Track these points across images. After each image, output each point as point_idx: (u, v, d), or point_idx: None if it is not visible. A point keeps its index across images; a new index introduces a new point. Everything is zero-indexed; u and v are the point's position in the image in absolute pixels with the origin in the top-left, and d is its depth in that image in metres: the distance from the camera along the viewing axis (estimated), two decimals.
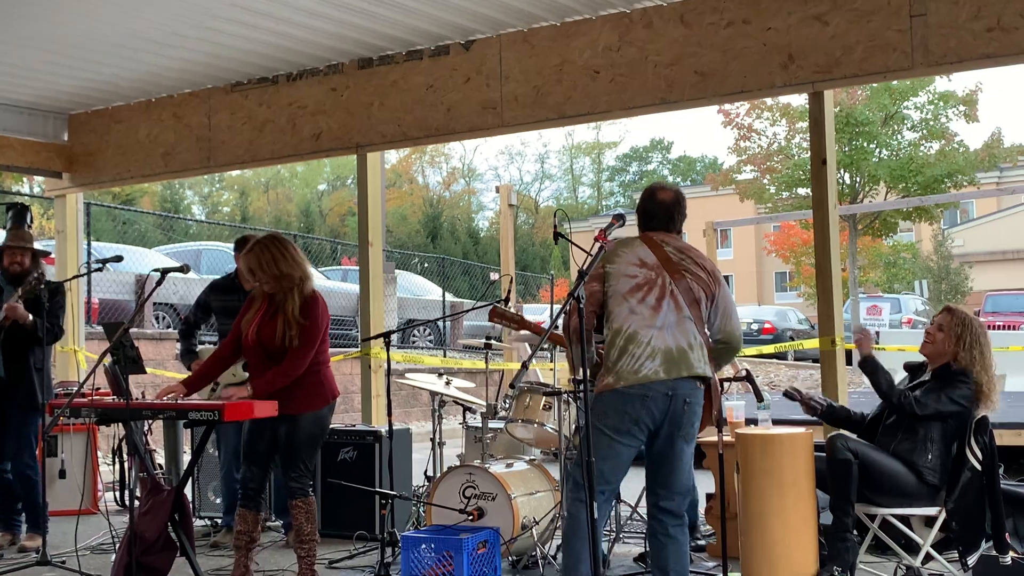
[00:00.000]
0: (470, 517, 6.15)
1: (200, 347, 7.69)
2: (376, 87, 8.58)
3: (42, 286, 6.76)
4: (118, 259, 6.47)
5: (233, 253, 7.64)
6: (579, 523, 4.61)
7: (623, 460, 4.76)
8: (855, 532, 5.45)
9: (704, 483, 6.74)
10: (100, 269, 6.66)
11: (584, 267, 4.35)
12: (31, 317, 6.92)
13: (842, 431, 5.57)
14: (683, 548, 4.82)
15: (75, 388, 7.16)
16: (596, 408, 4.70)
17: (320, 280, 18.09)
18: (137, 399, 5.74)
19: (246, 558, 5.77)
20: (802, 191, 31.73)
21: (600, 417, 4.69)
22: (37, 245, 7.46)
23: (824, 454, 5.43)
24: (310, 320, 5.64)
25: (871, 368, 5.57)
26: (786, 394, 5.97)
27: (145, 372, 6.97)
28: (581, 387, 4.28)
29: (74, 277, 8.33)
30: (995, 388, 5.59)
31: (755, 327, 28.88)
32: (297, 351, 5.60)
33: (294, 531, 5.79)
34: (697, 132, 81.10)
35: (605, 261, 4.79)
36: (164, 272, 5.65)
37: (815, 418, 5.96)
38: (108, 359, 5.73)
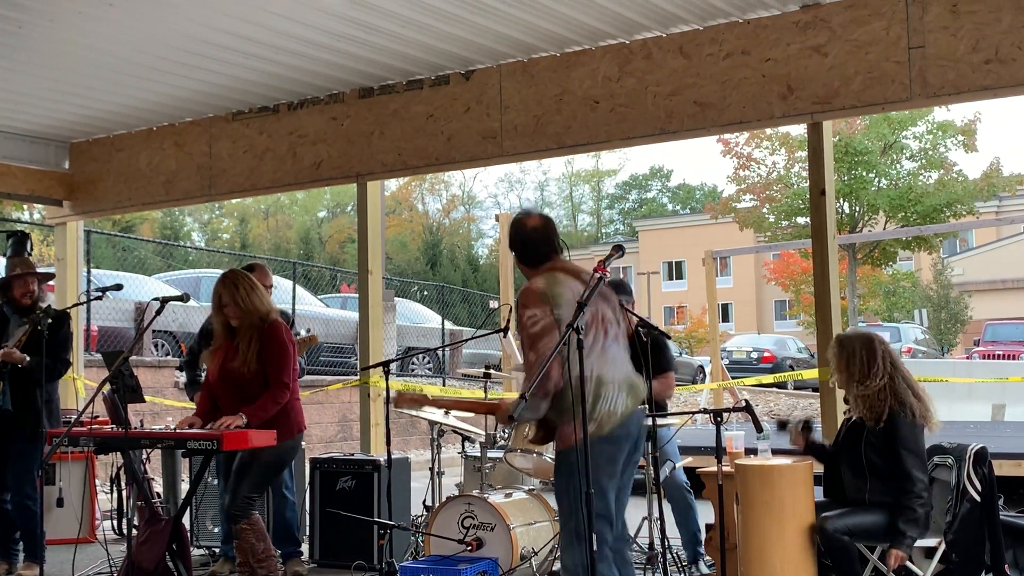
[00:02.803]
0: (469, 547, 6.13)
1: (203, 376, 7.69)
2: (377, 116, 8.61)
3: (47, 318, 6.72)
4: (118, 287, 6.48)
5: None
6: None
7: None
8: None
9: (704, 514, 6.71)
10: (100, 298, 6.66)
11: (583, 299, 4.34)
12: (28, 359, 6.91)
13: (825, 513, 5.39)
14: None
15: (74, 416, 7.15)
16: (578, 458, 4.41)
17: (319, 308, 18.10)
18: (136, 428, 5.73)
19: None
20: (801, 220, 31.81)
21: (593, 469, 4.36)
22: (41, 271, 7.50)
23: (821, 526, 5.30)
24: (277, 345, 5.73)
25: (910, 547, 5.28)
26: (780, 424, 5.95)
27: (144, 401, 6.98)
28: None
29: (74, 305, 8.33)
30: (928, 408, 5.48)
31: (754, 356, 28.79)
32: (278, 376, 5.69)
33: (248, 553, 5.75)
34: (697, 160, 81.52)
35: (552, 306, 4.57)
36: (164, 301, 5.67)
37: (804, 453, 5.88)
38: (107, 388, 5.73)
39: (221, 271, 6.07)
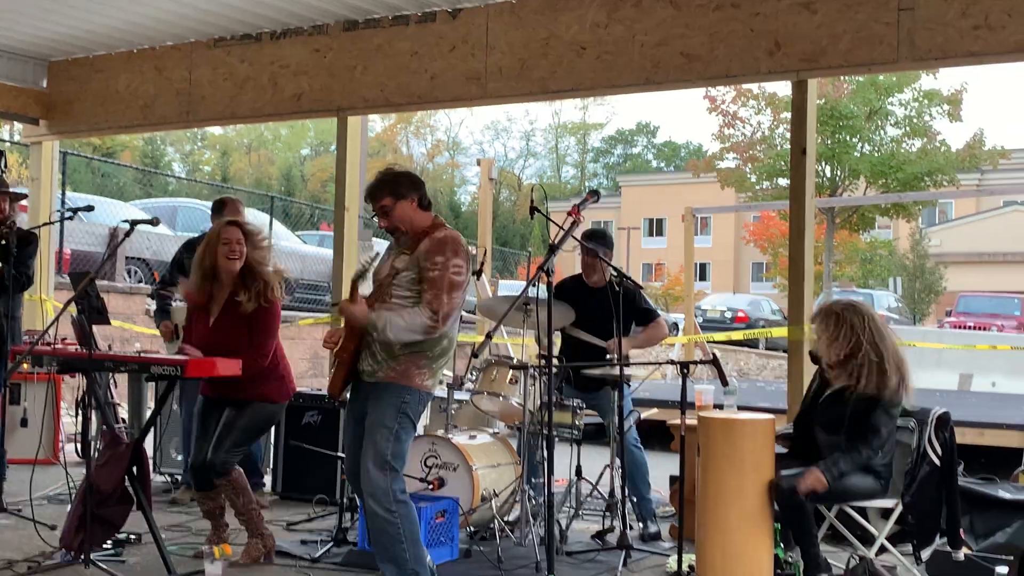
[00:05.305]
0: (430, 486, 6.15)
1: (174, 305, 7.64)
2: (360, 50, 8.49)
3: (11, 232, 6.66)
4: (89, 208, 6.42)
5: (210, 214, 7.58)
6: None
7: None
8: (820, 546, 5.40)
9: (671, 466, 6.73)
10: (71, 218, 6.59)
11: (555, 241, 4.34)
12: None
13: (782, 472, 5.35)
14: None
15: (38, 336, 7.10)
16: (415, 405, 4.89)
17: (296, 244, 18.02)
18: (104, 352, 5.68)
19: (222, 518, 5.83)
20: (783, 182, 31.83)
21: (414, 415, 4.91)
22: (13, 190, 7.40)
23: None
24: (272, 315, 5.65)
25: (837, 477, 5.36)
26: None
27: (110, 323, 6.91)
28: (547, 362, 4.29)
29: (44, 224, 8.23)
30: (906, 377, 5.47)
31: (728, 315, 28.88)
32: (263, 339, 5.60)
33: (231, 505, 5.74)
34: (683, 118, 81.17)
35: (468, 266, 4.91)
36: (133, 223, 5.59)
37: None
38: (75, 311, 5.68)
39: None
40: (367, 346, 4.90)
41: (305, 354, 15.22)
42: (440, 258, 4.79)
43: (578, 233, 5.46)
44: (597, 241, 6.80)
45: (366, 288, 4.94)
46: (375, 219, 5.07)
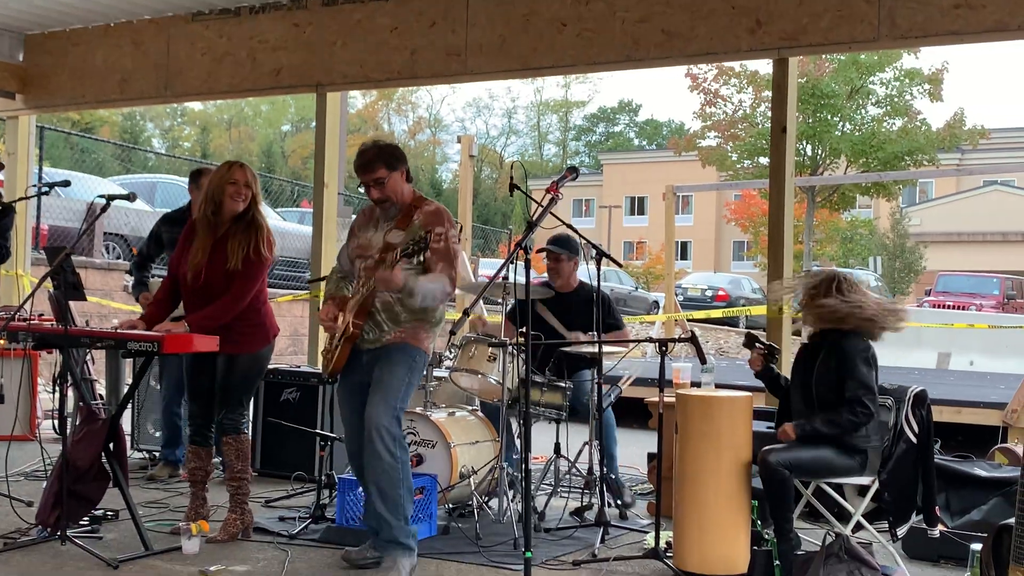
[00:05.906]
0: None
1: (152, 279, 7.59)
2: (340, 26, 8.44)
3: None
4: (66, 184, 6.37)
5: (188, 185, 7.53)
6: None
7: None
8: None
9: (649, 443, 6.74)
10: (47, 193, 6.54)
11: (533, 218, 4.32)
12: None
13: (768, 446, 5.37)
14: None
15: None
16: (420, 367, 5.22)
17: (275, 221, 17.93)
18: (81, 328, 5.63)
19: (203, 490, 5.82)
20: (764, 160, 31.82)
21: (418, 376, 5.24)
22: None
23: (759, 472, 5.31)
24: (268, 250, 5.59)
25: (808, 433, 5.42)
26: (747, 339, 5.82)
27: (85, 299, 6.86)
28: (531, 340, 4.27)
29: (19, 199, 8.15)
30: (883, 315, 5.45)
31: (709, 293, 28.91)
32: (242, 284, 5.51)
33: (226, 468, 5.75)
34: (665, 96, 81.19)
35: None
36: (109, 199, 5.54)
37: (756, 378, 5.87)
38: (50, 285, 5.63)
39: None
40: (369, 316, 5.07)
41: (285, 331, 15.12)
42: (440, 229, 5.01)
43: (557, 211, 5.44)
44: (561, 246, 6.82)
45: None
46: (362, 189, 5.12)
